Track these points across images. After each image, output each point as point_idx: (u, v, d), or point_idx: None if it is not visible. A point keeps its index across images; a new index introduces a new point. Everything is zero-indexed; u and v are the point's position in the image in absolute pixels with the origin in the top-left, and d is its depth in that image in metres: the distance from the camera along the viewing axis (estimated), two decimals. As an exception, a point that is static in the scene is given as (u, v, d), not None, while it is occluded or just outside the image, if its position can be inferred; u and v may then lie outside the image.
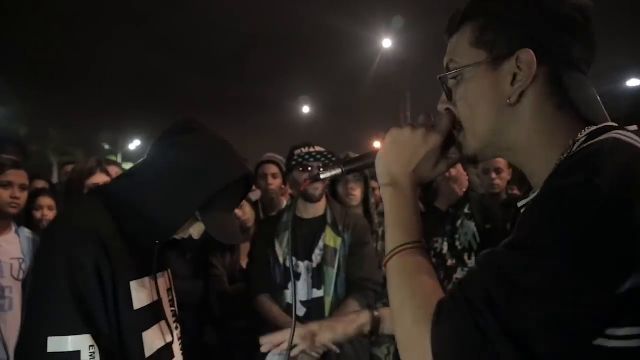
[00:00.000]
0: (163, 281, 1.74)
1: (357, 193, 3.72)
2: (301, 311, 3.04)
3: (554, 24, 1.00)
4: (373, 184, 3.87)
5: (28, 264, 3.11)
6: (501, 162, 3.92)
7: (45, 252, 1.50)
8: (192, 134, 1.62)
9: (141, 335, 1.56)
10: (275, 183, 4.16)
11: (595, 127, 0.96)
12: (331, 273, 3.05)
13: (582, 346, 0.82)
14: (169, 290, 1.79)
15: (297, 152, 3.21)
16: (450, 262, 3.29)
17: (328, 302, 3.04)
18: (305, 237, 3.14)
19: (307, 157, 3.15)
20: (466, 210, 3.35)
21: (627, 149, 0.85)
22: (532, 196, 1.02)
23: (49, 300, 1.39)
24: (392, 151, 1.14)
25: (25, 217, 3.57)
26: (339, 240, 3.08)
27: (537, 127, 1.02)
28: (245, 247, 3.58)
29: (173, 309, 1.79)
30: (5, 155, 4.11)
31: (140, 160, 1.69)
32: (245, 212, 3.78)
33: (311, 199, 3.12)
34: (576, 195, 0.80)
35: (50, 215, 3.99)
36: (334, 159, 3.16)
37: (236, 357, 3.56)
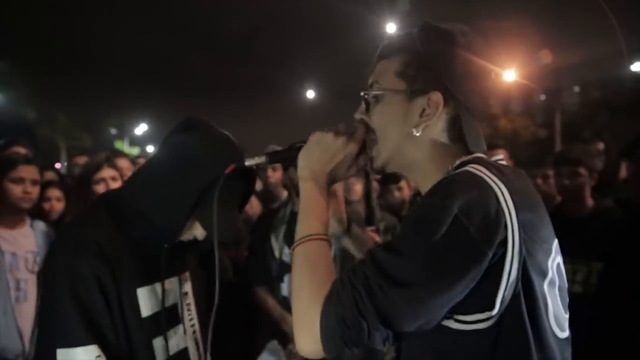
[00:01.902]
0: (178, 285, 1.72)
1: (358, 188, 3.76)
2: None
3: (464, 79, 1.24)
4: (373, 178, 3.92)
5: (42, 256, 3.16)
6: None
7: (48, 265, 1.53)
8: (188, 132, 1.61)
9: (151, 343, 1.56)
10: (274, 176, 4.18)
11: (465, 158, 1.22)
12: None
13: (435, 328, 1.08)
14: (185, 293, 1.76)
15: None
16: None
17: None
18: None
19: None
20: None
21: (474, 179, 1.11)
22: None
23: (56, 312, 1.43)
24: (314, 151, 1.34)
25: (35, 208, 3.64)
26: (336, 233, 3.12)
27: (432, 154, 1.26)
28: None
29: (190, 313, 1.76)
30: (17, 146, 4.20)
31: (143, 163, 1.72)
32: (252, 206, 3.80)
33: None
34: (431, 211, 1.06)
35: (58, 206, 4.04)
36: None
37: (234, 347, 3.61)
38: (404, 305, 1.03)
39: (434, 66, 1.24)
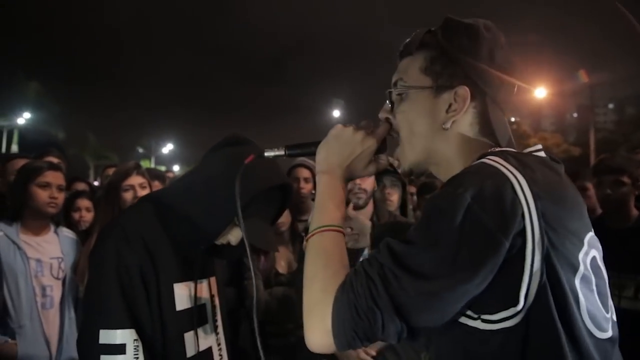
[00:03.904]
0: (207, 287, 1.82)
1: (395, 198, 3.68)
2: None
3: (490, 72, 1.22)
4: (411, 188, 3.84)
5: (68, 263, 3.18)
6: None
7: (98, 253, 1.60)
8: (236, 146, 1.71)
9: (182, 336, 1.64)
10: (306, 187, 4.13)
11: (486, 151, 1.18)
12: None
13: (463, 330, 1.06)
14: (213, 296, 1.84)
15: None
16: None
17: None
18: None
19: None
20: None
21: (487, 169, 1.07)
22: None
23: (101, 296, 1.53)
24: (333, 144, 1.32)
25: (64, 218, 3.64)
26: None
27: (461, 149, 1.24)
28: (280, 251, 3.56)
29: (216, 316, 1.84)
30: (49, 156, 4.25)
31: (189, 169, 1.80)
32: (282, 215, 3.76)
33: (356, 205, 3.05)
34: (445, 201, 1.03)
35: (87, 216, 4.08)
36: None
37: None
38: (418, 296, 0.99)
39: (459, 60, 1.22)
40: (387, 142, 1.35)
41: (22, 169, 3.18)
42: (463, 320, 1.07)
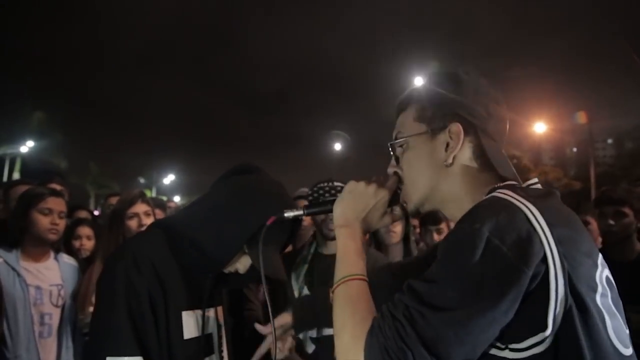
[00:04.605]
0: (215, 316, 1.80)
1: (398, 230, 3.66)
2: (310, 348, 2.95)
3: (475, 104, 1.31)
4: (413, 221, 3.83)
5: (68, 290, 3.14)
6: None
7: (107, 277, 1.57)
8: (246, 174, 1.74)
9: None
10: (306, 219, 4.14)
11: (494, 186, 1.24)
12: None
13: (481, 355, 1.07)
14: (220, 326, 1.83)
15: (316, 187, 3.22)
16: None
17: None
18: (324, 273, 3.05)
19: (320, 191, 3.15)
20: None
21: (500, 202, 1.13)
22: None
23: (109, 321, 1.49)
24: (348, 199, 1.40)
25: (65, 246, 3.61)
26: None
27: (465, 185, 1.30)
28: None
29: (222, 346, 1.82)
30: (52, 184, 4.24)
31: (199, 196, 1.80)
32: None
33: (327, 237, 3.10)
34: (463, 236, 1.07)
35: (88, 244, 4.06)
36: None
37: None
38: (446, 329, 1.01)
39: (446, 102, 1.32)
40: (399, 193, 1.43)
41: (23, 195, 3.16)
42: (492, 351, 1.10)
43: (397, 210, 1.45)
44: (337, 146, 34.35)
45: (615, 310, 1.16)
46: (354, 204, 1.39)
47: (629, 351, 1.15)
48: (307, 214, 1.54)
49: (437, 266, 1.09)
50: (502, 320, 1.03)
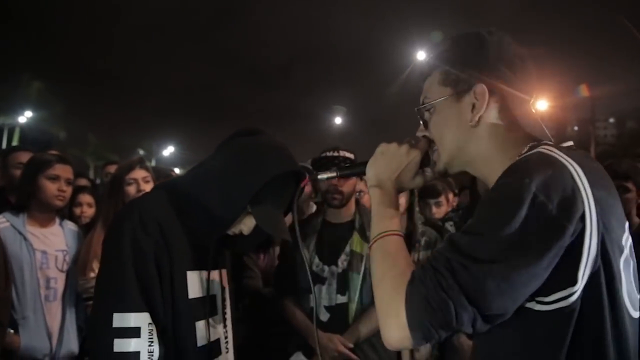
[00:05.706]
0: (219, 278, 1.82)
1: (402, 201, 3.67)
2: (325, 316, 3.00)
3: (499, 63, 1.31)
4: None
5: (71, 255, 3.17)
6: None
7: (113, 237, 1.60)
8: (251, 136, 1.75)
9: (194, 325, 1.64)
10: (305, 189, 4.16)
11: (534, 143, 1.25)
12: (356, 279, 3.01)
13: (518, 308, 1.09)
14: (223, 288, 1.85)
15: (323, 155, 3.23)
16: None
17: (352, 308, 3.00)
18: (332, 242, 3.11)
19: (329, 160, 3.17)
20: None
21: (547, 159, 1.15)
22: None
23: (116, 279, 1.53)
24: (380, 160, 1.43)
25: (67, 213, 3.63)
26: (367, 246, 2.99)
27: (492, 143, 1.31)
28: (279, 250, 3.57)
29: (225, 309, 1.84)
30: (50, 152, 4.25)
31: (204, 159, 1.81)
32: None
33: (331, 204, 3.12)
34: (509, 191, 1.09)
35: (89, 212, 4.09)
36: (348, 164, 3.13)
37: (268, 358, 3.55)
38: (488, 281, 1.04)
39: (469, 63, 1.33)
40: (430, 155, 1.44)
41: (31, 161, 3.18)
42: None
43: (429, 171, 1.46)
44: (338, 120, 34.29)
45: (632, 275, 1.21)
46: (386, 164, 1.41)
47: (637, 314, 1.19)
48: (341, 176, 1.56)
49: (480, 219, 1.13)
50: (543, 275, 1.06)
